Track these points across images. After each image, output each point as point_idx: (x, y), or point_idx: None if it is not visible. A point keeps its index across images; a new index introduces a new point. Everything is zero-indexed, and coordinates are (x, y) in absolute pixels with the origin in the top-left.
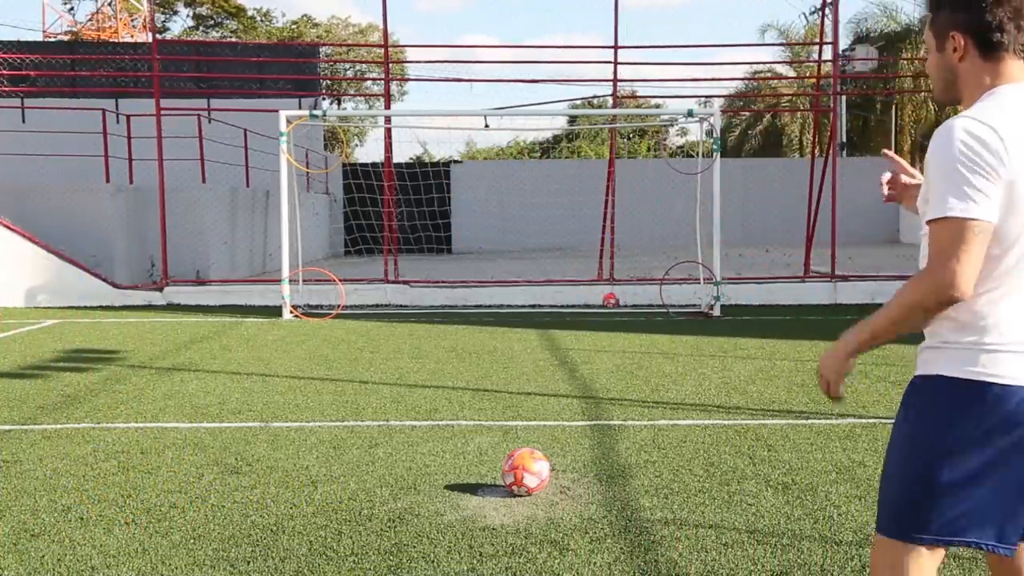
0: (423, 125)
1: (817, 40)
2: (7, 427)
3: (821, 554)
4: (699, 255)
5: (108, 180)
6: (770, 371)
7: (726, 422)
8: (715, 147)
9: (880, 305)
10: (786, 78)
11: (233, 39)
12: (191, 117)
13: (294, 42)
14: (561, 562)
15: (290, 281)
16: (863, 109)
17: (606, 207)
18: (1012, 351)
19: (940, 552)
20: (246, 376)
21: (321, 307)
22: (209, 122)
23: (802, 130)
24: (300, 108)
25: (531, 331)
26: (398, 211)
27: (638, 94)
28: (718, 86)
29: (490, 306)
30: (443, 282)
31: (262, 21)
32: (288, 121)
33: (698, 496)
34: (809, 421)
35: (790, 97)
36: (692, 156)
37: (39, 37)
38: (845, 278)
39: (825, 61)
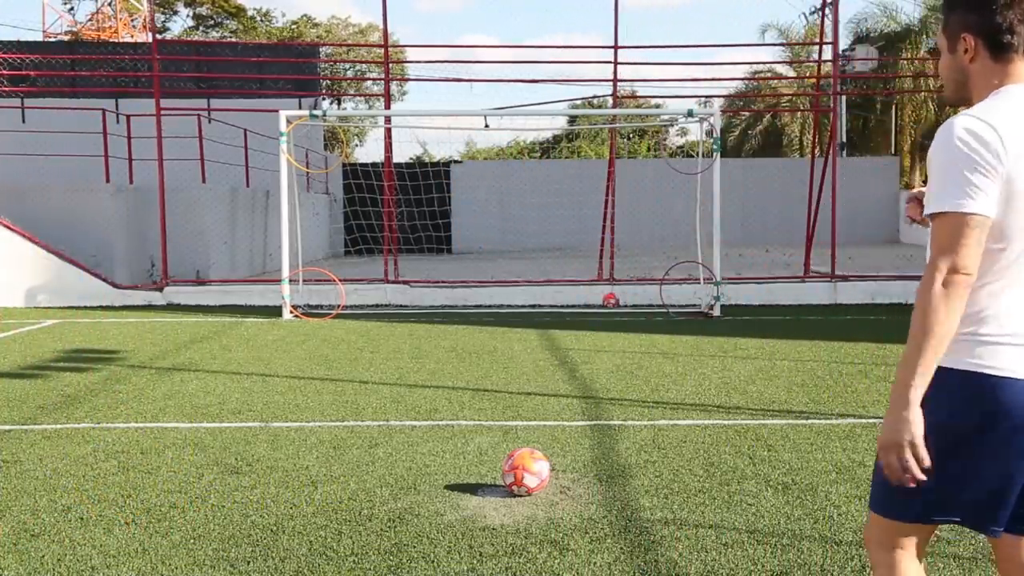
0: (423, 125)
1: (817, 40)
2: (7, 427)
3: (821, 554)
4: (699, 255)
5: (108, 180)
6: (770, 371)
7: (726, 422)
8: (715, 147)
9: (880, 305)
10: (786, 78)
11: (233, 39)
12: (191, 117)
13: (294, 42)
14: (561, 562)
15: (290, 281)
16: (863, 109)
17: (606, 207)
18: (1011, 343)
19: (928, 528)
20: (246, 376)
21: (321, 307)
22: (209, 122)
23: (802, 130)
24: (300, 108)
25: (531, 331)
26: (398, 211)
27: (638, 94)
28: (718, 86)
29: (490, 306)
30: (443, 282)
31: (262, 21)
32: (288, 121)
33: (698, 496)
34: (809, 421)
35: (790, 97)
36: (692, 156)
37: (39, 37)
38: (845, 278)
39: (825, 61)
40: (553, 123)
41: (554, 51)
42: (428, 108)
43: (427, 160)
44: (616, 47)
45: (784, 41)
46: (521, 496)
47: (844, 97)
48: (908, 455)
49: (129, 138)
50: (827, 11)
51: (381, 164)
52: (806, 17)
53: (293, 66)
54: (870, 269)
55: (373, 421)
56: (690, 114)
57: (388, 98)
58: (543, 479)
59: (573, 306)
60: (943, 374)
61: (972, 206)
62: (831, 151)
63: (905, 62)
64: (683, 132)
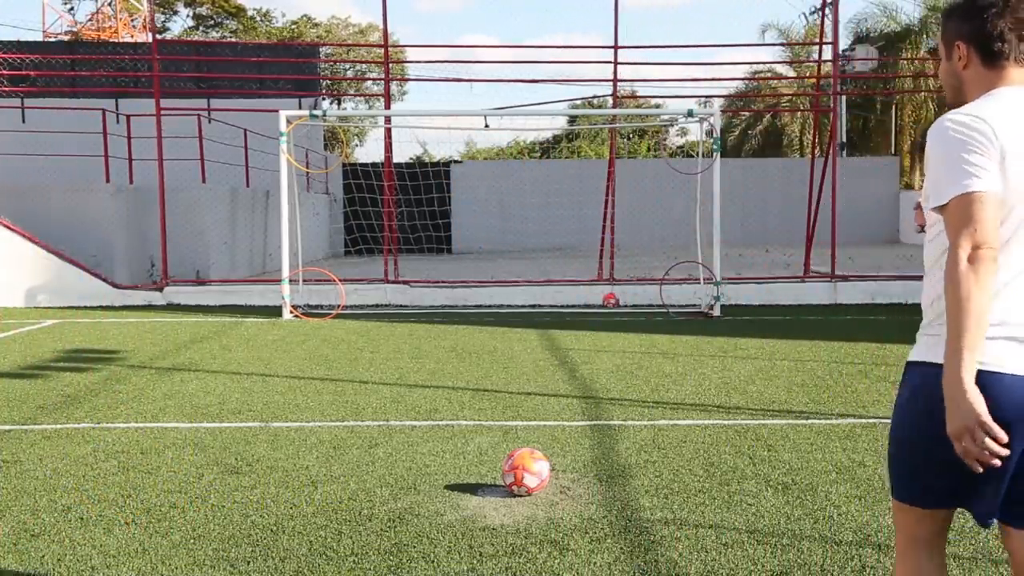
0: (423, 125)
1: (817, 40)
2: (7, 427)
3: (821, 554)
4: (699, 255)
5: (108, 180)
6: (770, 371)
7: (726, 422)
8: (715, 147)
9: (880, 305)
10: (786, 78)
11: (233, 39)
12: (191, 117)
13: (294, 42)
14: (561, 562)
15: (290, 281)
16: (863, 109)
17: (606, 207)
18: (999, 337)
19: (937, 517)
20: (246, 376)
21: (321, 307)
22: (209, 122)
23: (802, 130)
24: (300, 108)
25: (531, 331)
26: (398, 211)
27: (638, 94)
28: (718, 86)
29: (490, 306)
30: (443, 282)
31: (262, 21)
32: (288, 121)
33: (698, 496)
34: (809, 421)
35: (790, 97)
36: (692, 156)
37: (39, 37)
38: (845, 278)
39: (825, 61)
40: (553, 123)
41: (554, 51)
42: (428, 108)
43: (427, 160)
44: (616, 47)
45: (784, 41)
46: (521, 496)
47: (844, 97)
48: (981, 435)
49: (129, 138)
50: (827, 11)
51: (381, 164)
52: (806, 17)
53: (293, 66)
54: (870, 269)
55: (373, 421)
56: (690, 114)
57: (388, 98)
58: (543, 479)
59: (573, 306)
60: (929, 368)
61: (978, 184)
62: (831, 151)
63: (905, 62)
64: (683, 132)
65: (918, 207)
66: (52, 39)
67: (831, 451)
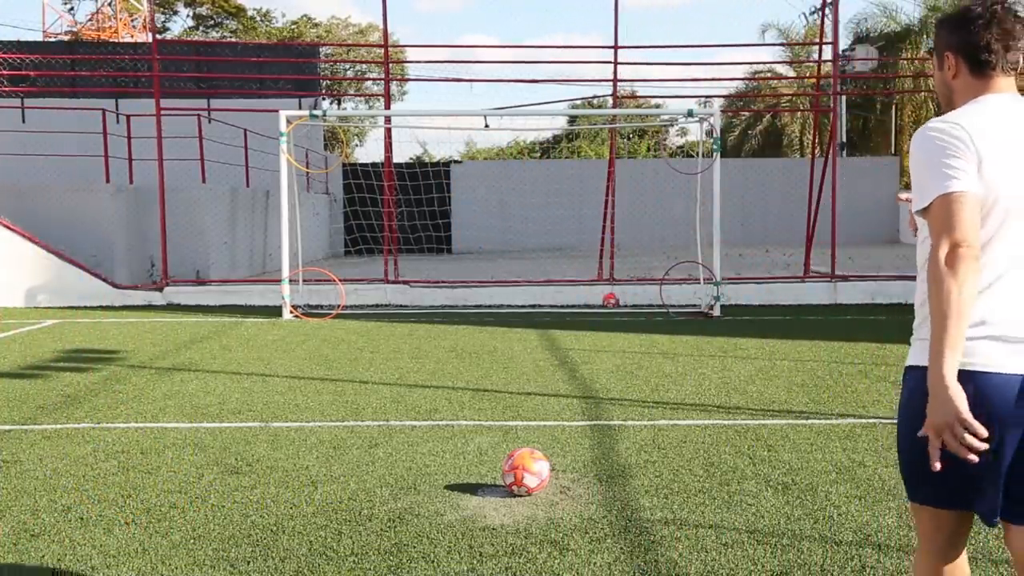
0: (423, 125)
1: (817, 40)
2: (7, 427)
3: (821, 554)
4: (699, 255)
5: (108, 180)
6: (770, 371)
7: (726, 422)
8: (715, 147)
9: (880, 305)
10: (786, 78)
11: (233, 39)
12: (191, 117)
13: (294, 42)
14: (561, 562)
15: (290, 281)
16: (863, 109)
17: (606, 207)
18: (986, 337)
19: (952, 514)
20: (246, 376)
21: (321, 307)
22: (209, 122)
23: (802, 130)
24: (300, 108)
25: (531, 331)
26: (398, 211)
27: (638, 94)
28: (718, 86)
29: (490, 306)
30: (443, 282)
31: (262, 21)
32: (288, 121)
33: (698, 496)
34: (809, 421)
35: (790, 97)
36: (692, 156)
37: (39, 37)
38: (845, 278)
39: (825, 61)
40: (553, 123)
41: (554, 51)
42: (428, 108)
43: (427, 160)
44: (616, 47)
45: (784, 41)
46: (521, 496)
47: (844, 97)
48: (961, 431)
49: (129, 138)
50: (827, 11)
51: (381, 164)
52: (806, 17)
53: (293, 66)
54: (870, 269)
55: (373, 421)
56: (690, 114)
57: (388, 98)
58: (543, 479)
59: (573, 306)
60: (922, 372)
61: (957, 185)
62: (831, 151)
63: (905, 62)
64: (683, 132)
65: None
66: (52, 39)
67: (831, 451)
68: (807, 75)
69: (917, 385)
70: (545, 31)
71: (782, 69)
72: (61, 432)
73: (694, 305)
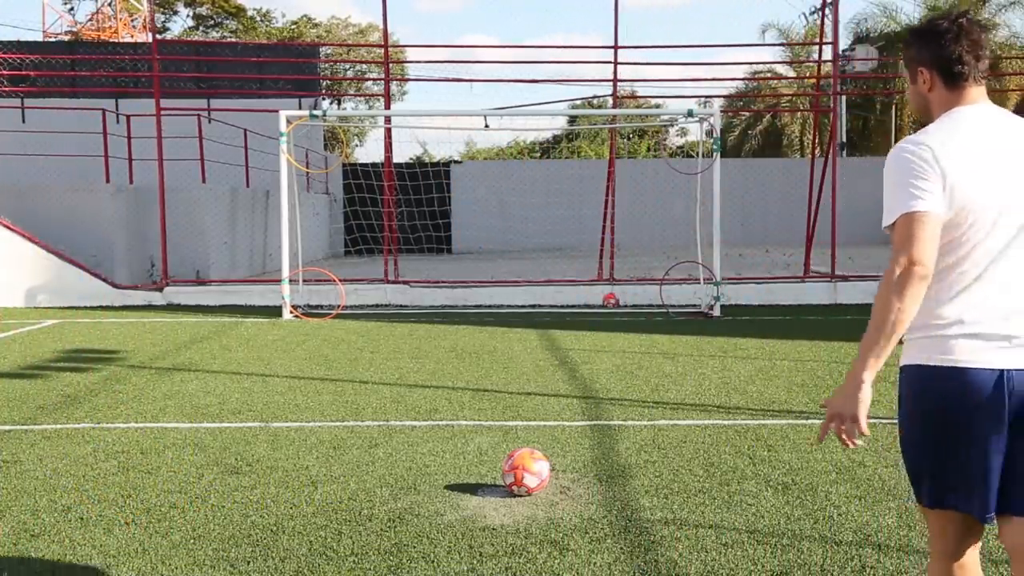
0: (423, 125)
1: (817, 40)
2: (7, 427)
3: (821, 554)
4: (699, 255)
5: (108, 180)
6: (770, 371)
7: (726, 422)
8: (715, 147)
9: None
10: (786, 78)
11: (233, 39)
12: (191, 117)
13: (294, 42)
14: (561, 562)
15: (290, 281)
16: (863, 109)
17: (606, 207)
18: (966, 335)
19: (956, 516)
20: (246, 376)
21: (321, 307)
22: (209, 122)
23: (802, 130)
24: (300, 108)
25: (531, 331)
26: (398, 211)
27: (638, 94)
28: (718, 86)
29: (490, 306)
30: (443, 282)
31: (262, 21)
32: (288, 121)
33: (698, 496)
34: (809, 421)
35: (790, 97)
36: (692, 156)
37: (39, 37)
38: (845, 278)
39: (825, 61)
40: (553, 123)
41: (554, 51)
42: (428, 108)
43: (427, 160)
44: (616, 47)
45: (784, 41)
46: (521, 496)
47: (844, 97)
48: (851, 426)
49: (129, 138)
50: (827, 11)
51: (381, 164)
52: (806, 17)
53: (293, 66)
54: (870, 269)
55: (373, 421)
56: (690, 114)
57: (388, 98)
58: (543, 479)
59: (573, 306)
60: (915, 370)
61: (920, 205)
62: (831, 151)
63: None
64: (683, 132)
65: None
66: (52, 39)
67: (831, 451)
68: (807, 75)
69: (909, 385)
70: (545, 31)
71: (782, 69)
72: (61, 432)
73: (694, 305)
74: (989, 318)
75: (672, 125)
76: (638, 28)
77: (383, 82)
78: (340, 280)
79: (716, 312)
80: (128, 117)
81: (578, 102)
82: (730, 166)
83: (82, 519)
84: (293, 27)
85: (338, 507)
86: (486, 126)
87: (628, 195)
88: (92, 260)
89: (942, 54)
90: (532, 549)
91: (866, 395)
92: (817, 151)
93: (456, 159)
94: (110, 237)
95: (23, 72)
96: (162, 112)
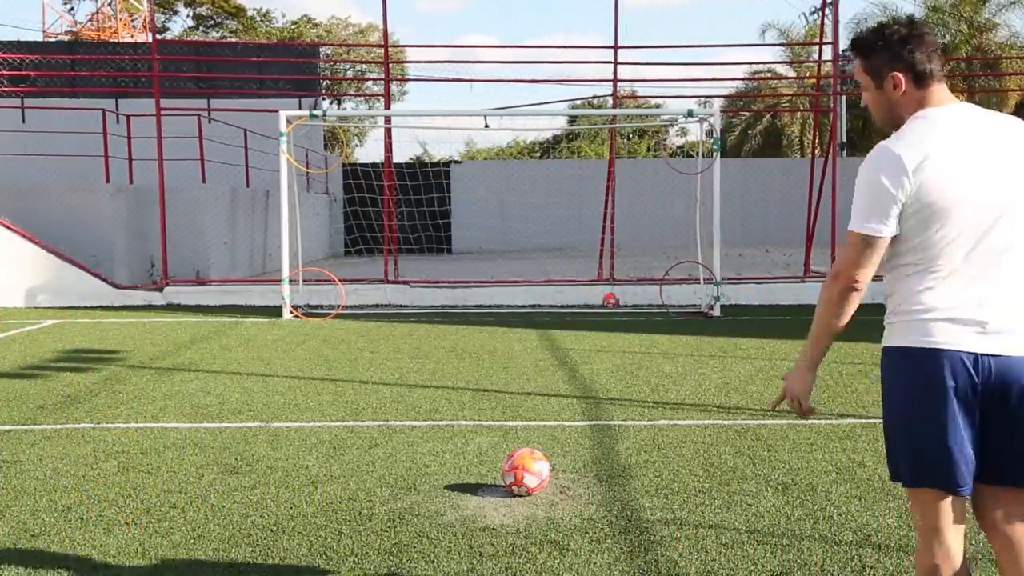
0: (423, 125)
1: (817, 40)
2: (7, 427)
3: (821, 554)
4: (699, 255)
5: (108, 180)
6: (770, 371)
7: (726, 422)
8: (715, 147)
9: (880, 306)
10: (786, 78)
11: (233, 39)
12: (191, 117)
13: (294, 42)
14: (561, 562)
15: (290, 281)
16: (863, 109)
17: (606, 207)
18: (944, 319)
19: (939, 496)
20: (246, 376)
21: (321, 307)
22: (209, 122)
23: (802, 130)
24: (300, 108)
25: (531, 331)
26: (398, 211)
27: (638, 94)
28: (718, 86)
29: (490, 306)
30: (443, 282)
31: (262, 21)
32: (288, 121)
33: (698, 496)
34: (809, 421)
35: (790, 97)
36: (692, 156)
37: (39, 37)
38: None
39: (825, 61)
40: (553, 123)
41: (554, 51)
42: (428, 108)
43: (427, 160)
44: (616, 47)
45: (784, 41)
46: (521, 496)
47: (844, 97)
48: (796, 405)
49: (129, 138)
50: (827, 11)
51: (381, 164)
52: (806, 17)
53: (293, 66)
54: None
55: (373, 421)
56: (690, 114)
57: (388, 98)
58: (543, 479)
59: (573, 306)
60: (895, 351)
61: (874, 228)
62: (831, 151)
63: None
64: (683, 132)
65: None
66: (52, 39)
67: (831, 451)
68: (807, 75)
69: (889, 368)
70: (545, 31)
71: (782, 69)
72: (61, 432)
73: (694, 305)
74: (964, 305)
75: (672, 125)
76: (638, 28)
77: (383, 82)
78: (340, 280)
79: (716, 312)
80: (128, 117)
81: (578, 102)
82: (730, 166)
83: (82, 519)
84: (293, 27)
85: (338, 507)
86: (486, 126)
87: (628, 195)
88: (92, 260)
89: (913, 57)
90: (532, 549)
91: (808, 382)
92: (817, 151)
93: (456, 159)
94: (110, 237)
95: (23, 72)
96: (162, 112)
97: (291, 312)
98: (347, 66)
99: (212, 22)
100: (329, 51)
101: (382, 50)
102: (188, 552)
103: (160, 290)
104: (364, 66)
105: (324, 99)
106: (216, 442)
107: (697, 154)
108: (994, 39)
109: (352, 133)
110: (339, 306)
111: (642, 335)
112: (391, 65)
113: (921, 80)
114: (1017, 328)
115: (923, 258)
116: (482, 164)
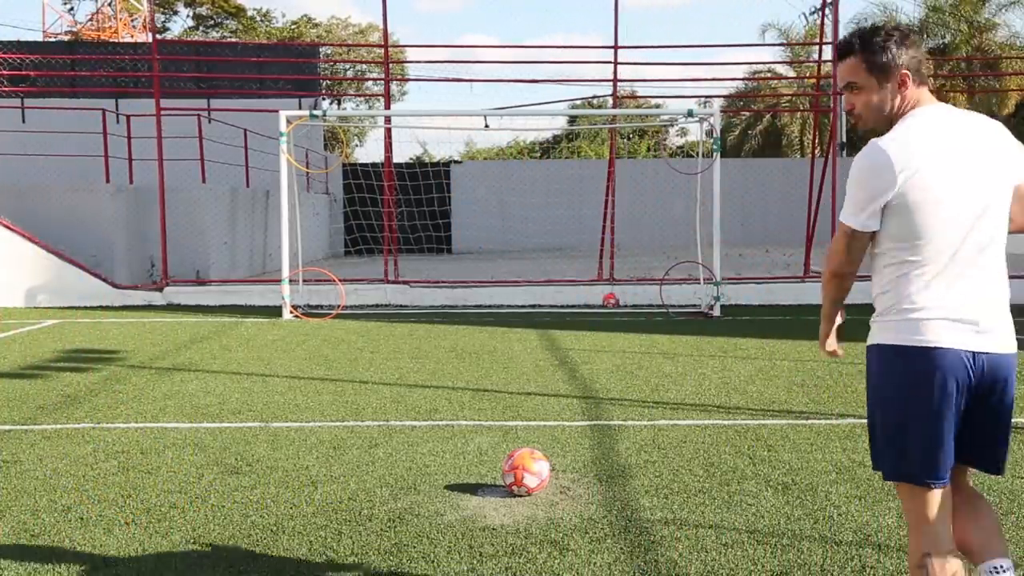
0: (423, 125)
1: (817, 40)
2: (7, 427)
3: (821, 554)
4: (699, 255)
5: (108, 180)
6: (770, 371)
7: (726, 422)
8: (715, 147)
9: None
10: (786, 78)
11: (233, 39)
12: (191, 117)
13: (294, 42)
14: (561, 562)
15: (290, 281)
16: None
17: (606, 207)
18: (934, 318)
19: (923, 491)
20: (246, 376)
21: (321, 307)
22: (209, 122)
23: (802, 130)
24: (300, 108)
25: (531, 331)
26: (398, 211)
27: (638, 94)
28: (718, 86)
29: (490, 306)
30: (443, 282)
31: (262, 21)
32: (288, 121)
33: (698, 496)
34: (809, 421)
35: (790, 97)
36: (692, 156)
37: (39, 37)
38: None
39: (825, 61)
40: (553, 123)
41: (554, 51)
42: (428, 108)
43: (427, 160)
44: (616, 47)
45: (784, 41)
46: (521, 496)
47: (844, 97)
48: (824, 351)
49: (129, 138)
50: (827, 11)
51: (381, 164)
52: (806, 17)
53: (293, 66)
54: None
55: (373, 421)
56: (690, 114)
57: (388, 98)
58: (543, 479)
59: (573, 306)
60: (885, 349)
61: (853, 222)
62: (831, 151)
63: None
64: (683, 132)
65: None
66: (52, 39)
67: (831, 451)
68: (807, 75)
69: (874, 365)
70: (545, 31)
71: (782, 69)
72: (61, 432)
73: (694, 305)
74: (957, 304)
75: (672, 125)
76: (638, 28)
77: (383, 82)
78: (340, 280)
79: (716, 312)
80: (128, 117)
81: (578, 102)
82: (730, 166)
83: (82, 519)
84: (293, 27)
85: (338, 507)
86: (486, 126)
87: (628, 195)
88: (92, 260)
89: (916, 56)
90: (532, 549)
91: (823, 332)
92: (817, 151)
93: (456, 159)
94: (110, 237)
95: (23, 72)
96: (162, 112)
97: (291, 312)
98: (347, 66)
99: (212, 22)
100: (329, 51)
101: (382, 50)
102: (188, 552)
103: (160, 290)
104: (364, 66)
105: (324, 99)
106: (216, 442)
107: (697, 154)
108: (994, 39)
109: (352, 133)
110: (339, 306)
111: (642, 335)
112: (391, 65)
113: (920, 78)
114: (1002, 326)
115: (911, 257)
116: (482, 164)
